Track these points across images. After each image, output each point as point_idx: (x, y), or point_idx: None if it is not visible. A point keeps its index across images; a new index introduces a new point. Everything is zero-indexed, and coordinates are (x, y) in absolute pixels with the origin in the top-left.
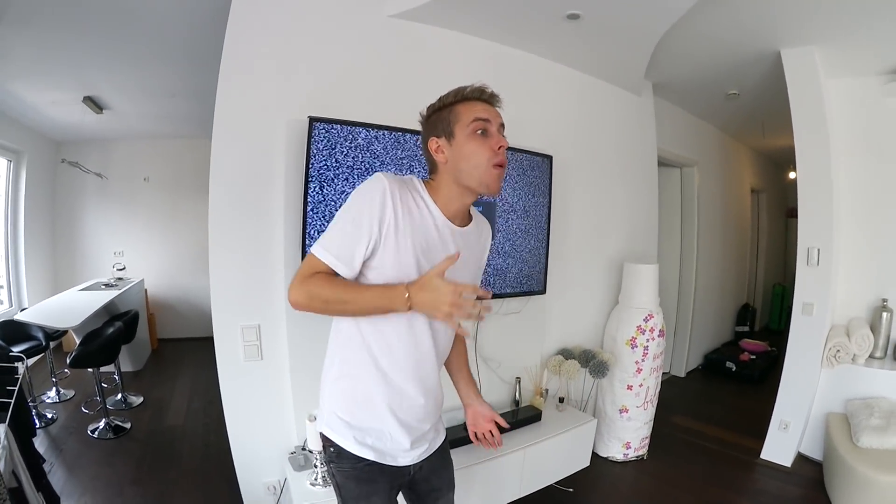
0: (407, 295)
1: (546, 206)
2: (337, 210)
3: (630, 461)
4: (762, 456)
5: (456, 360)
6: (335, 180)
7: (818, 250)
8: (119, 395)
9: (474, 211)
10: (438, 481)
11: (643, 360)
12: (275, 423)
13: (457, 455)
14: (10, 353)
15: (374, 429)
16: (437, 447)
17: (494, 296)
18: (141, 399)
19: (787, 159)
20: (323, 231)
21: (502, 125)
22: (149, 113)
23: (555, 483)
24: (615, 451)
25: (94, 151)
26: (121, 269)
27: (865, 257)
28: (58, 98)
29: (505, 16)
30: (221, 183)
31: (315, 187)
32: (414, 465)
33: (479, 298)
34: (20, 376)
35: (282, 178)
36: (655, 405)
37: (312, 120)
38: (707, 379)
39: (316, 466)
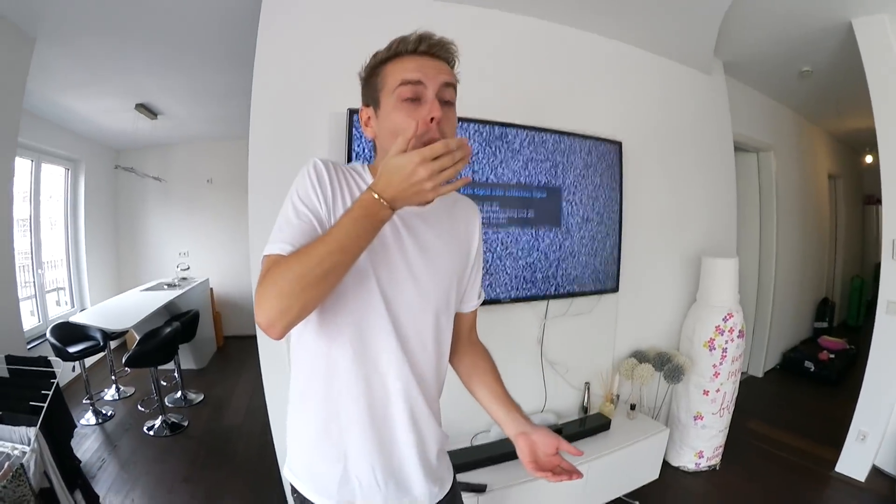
0: (376, 196)
1: (617, 197)
2: None
3: (702, 471)
4: (837, 469)
5: (483, 380)
6: None
7: None
8: (179, 393)
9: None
10: None
11: (721, 364)
12: None
13: (512, 469)
14: (67, 353)
15: (341, 475)
16: (442, 497)
17: (563, 295)
18: (201, 397)
19: (863, 142)
20: None
21: (448, 87)
22: (203, 115)
23: (621, 496)
24: (687, 461)
25: (153, 156)
26: (185, 269)
27: None
28: (110, 106)
29: None
30: (261, 181)
31: None
32: None
33: None
34: (56, 380)
35: None
36: (732, 411)
37: (353, 112)
38: (785, 379)
39: None
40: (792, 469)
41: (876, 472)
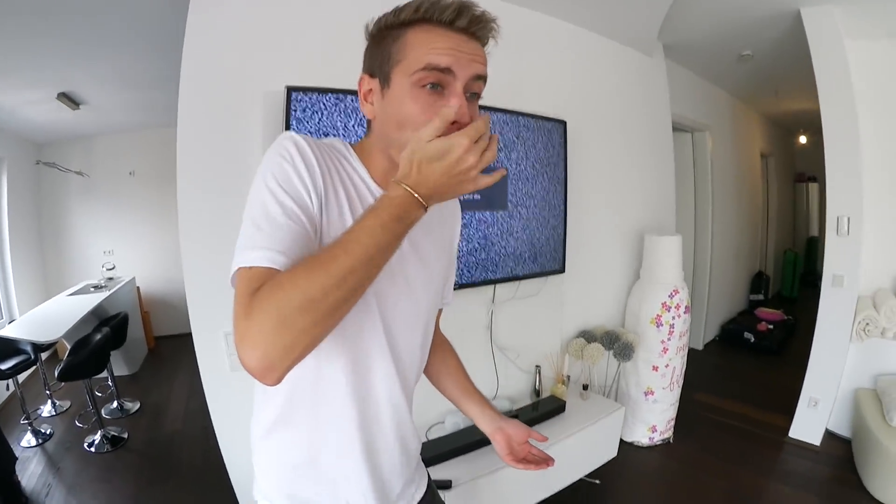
0: (411, 191)
1: (562, 177)
2: None
3: (656, 445)
4: (791, 434)
5: (453, 378)
6: None
7: (848, 219)
8: (115, 403)
9: None
10: None
11: (669, 339)
12: None
13: (475, 460)
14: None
15: (326, 494)
16: (418, 500)
17: (510, 279)
18: (138, 405)
19: (796, 123)
20: None
21: (479, 79)
22: (129, 104)
23: (582, 477)
24: (640, 436)
25: (75, 149)
26: (110, 269)
27: (891, 225)
28: (31, 97)
29: None
30: (190, 170)
31: None
32: None
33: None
34: None
35: (257, 161)
36: (681, 385)
37: (291, 90)
38: (725, 351)
39: None
40: (745, 437)
41: (829, 435)
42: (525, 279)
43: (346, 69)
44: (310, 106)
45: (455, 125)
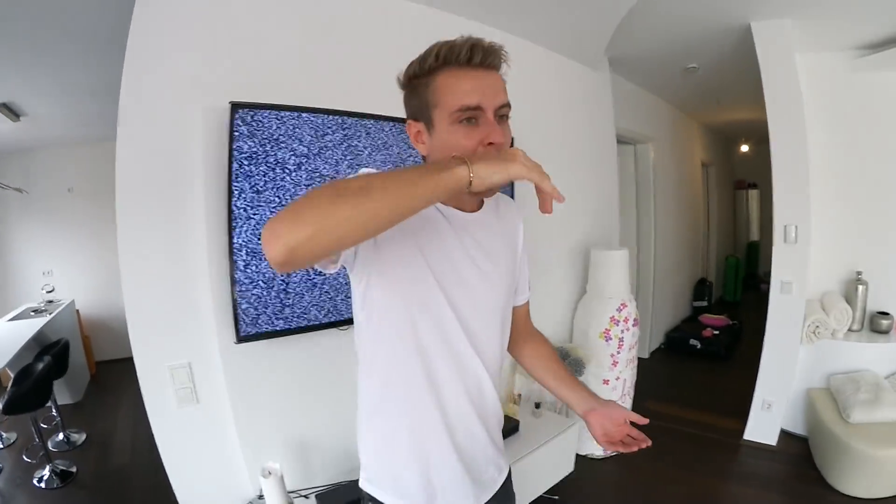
0: (458, 156)
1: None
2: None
3: (611, 456)
4: (746, 437)
5: (545, 365)
6: (271, 176)
7: (795, 227)
8: (61, 435)
9: None
10: None
11: (619, 353)
12: (224, 476)
13: None
14: None
15: (422, 480)
16: (497, 488)
17: None
18: (84, 436)
19: (737, 132)
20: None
21: (504, 107)
22: (69, 116)
23: (541, 495)
24: (594, 448)
25: (13, 164)
26: (50, 291)
27: (838, 231)
28: None
29: None
30: (130, 187)
31: (243, 186)
32: None
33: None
34: None
35: (201, 180)
36: (632, 396)
37: (235, 106)
38: (672, 358)
39: None
40: (700, 442)
41: (785, 434)
42: None
43: (294, 85)
44: (255, 123)
45: (491, 145)
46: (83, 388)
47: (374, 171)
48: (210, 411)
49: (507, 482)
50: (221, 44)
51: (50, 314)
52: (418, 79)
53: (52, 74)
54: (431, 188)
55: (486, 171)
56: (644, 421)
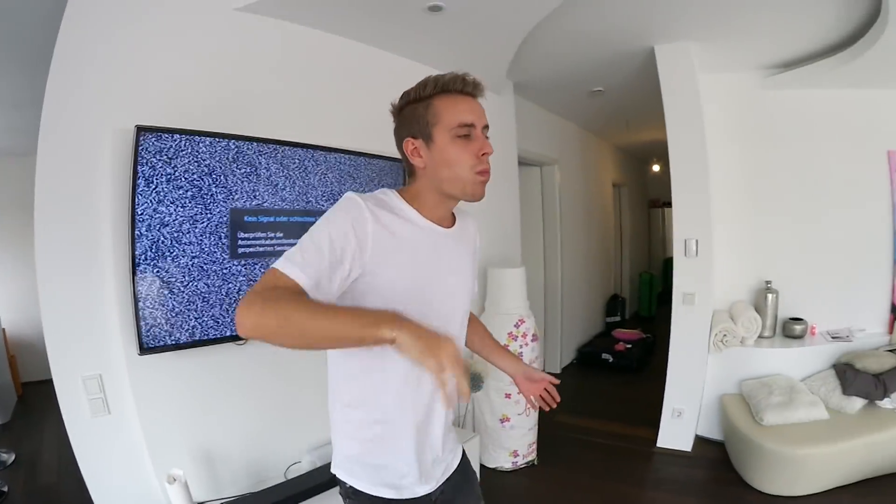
0: (392, 331)
1: None
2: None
3: (521, 468)
4: (659, 444)
5: (481, 341)
6: (177, 200)
7: (696, 241)
8: None
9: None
10: (464, 499)
11: None
12: (136, 484)
13: (323, 502)
14: None
15: (390, 466)
16: (455, 466)
17: None
18: (13, 456)
19: (649, 153)
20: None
21: (487, 126)
22: None
23: None
24: (503, 461)
25: None
26: None
27: (745, 243)
28: None
29: (360, 8)
30: (48, 203)
31: (148, 209)
32: (434, 491)
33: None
34: None
35: (108, 201)
36: (538, 409)
37: (141, 129)
38: (584, 373)
39: None
40: (613, 453)
41: (701, 440)
42: None
43: (206, 111)
44: (162, 148)
45: (484, 155)
46: (11, 408)
47: (359, 203)
48: (121, 421)
49: (465, 459)
50: (141, 66)
51: None
52: (417, 102)
53: None
54: (359, 332)
55: (410, 345)
56: (555, 381)
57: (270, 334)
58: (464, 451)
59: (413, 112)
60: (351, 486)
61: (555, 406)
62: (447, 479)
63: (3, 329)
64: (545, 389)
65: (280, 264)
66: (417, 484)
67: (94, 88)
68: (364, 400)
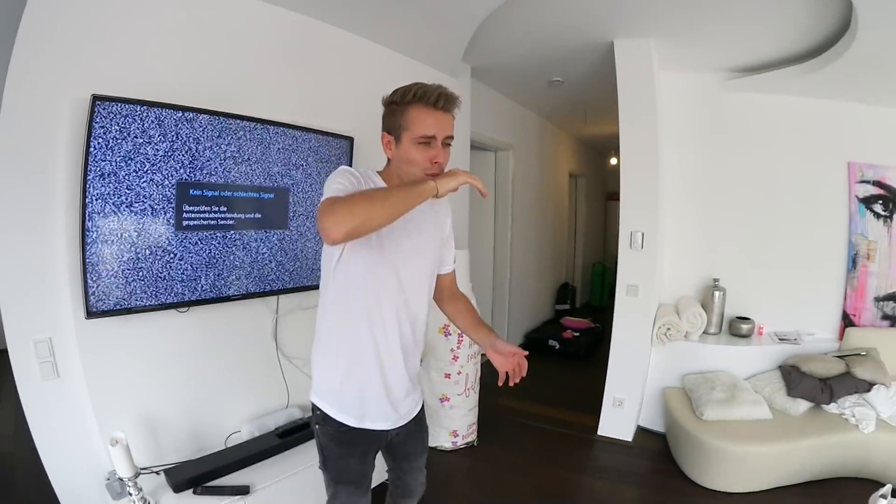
0: (434, 183)
1: None
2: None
3: (460, 449)
4: (600, 432)
5: (462, 318)
6: (128, 168)
7: (642, 234)
8: None
9: None
10: (413, 445)
11: (458, 348)
12: (84, 449)
13: (267, 469)
14: None
15: (356, 398)
16: (413, 415)
17: (292, 289)
18: None
19: (608, 146)
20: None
21: (449, 138)
22: None
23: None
24: (443, 441)
25: None
26: None
27: (695, 240)
28: None
29: None
30: (4, 173)
31: (100, 181)
32: (391, 430)
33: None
34: None
35: (63, 165)
36: (478, 391)
37: (97, 99)
38: (530, 359)
39: (131, 494)
40: (553, 437)
41: (643, 431)
42: (310, 290)
43: (169, 81)
44: (120, 118)
45: (436, 164)
46: None
47: (352, 170)
48: (69, 385)
49: (421, 414)
50: (108, 37)
51: None
52: (397, 105)
53: None
54: (417, 195)
55: (445, 183)
56: (525, 353)
57: (360, 222)
58: (422, 408)
59: (392, 112)
60: (322, 412)
61: (518, 380)
62: (404, 425)
63: None
64: (517, 363)
65: (330, 194)
66: (378, 419)
67: (54, 58)
68: (340, 343)
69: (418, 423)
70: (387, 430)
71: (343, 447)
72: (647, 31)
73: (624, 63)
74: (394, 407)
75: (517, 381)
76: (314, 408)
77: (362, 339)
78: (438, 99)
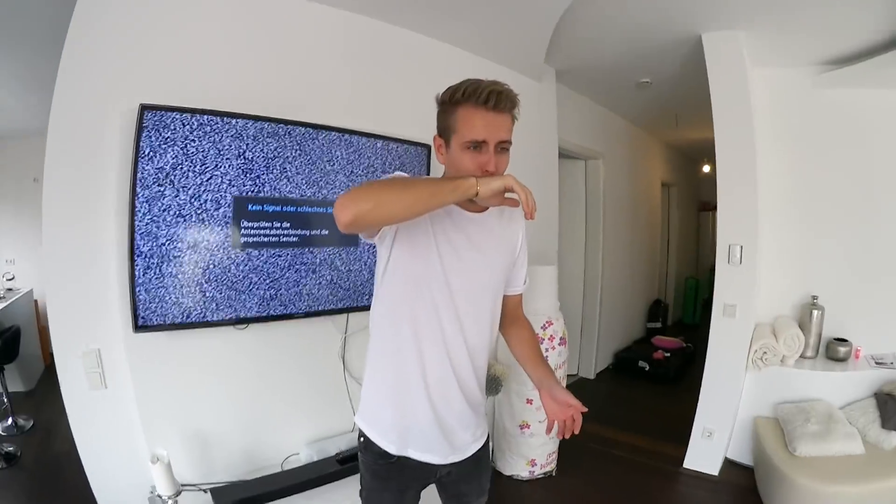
0: (475, 180)
1: None
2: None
3: (537, 479)
4: (686, 465)
5: (520, 348)
6: (180, 182)
7: (741, 248)
8: (10, 420)
9: None
10: (467, 487)
11: None
12: (129, 460)
13: (321, 497)
14: None
15: (398, 423)
16: (471, 453)
17: (360, 308)
18: (32, 422)
19: (700, 152)
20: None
21: (505, 142)
22: (30, 106)
23: None
24: (520, 469)
25: None
26: (10, 279)
27: (792, 253)
28: None
29: None
30: (57, 185)
31: (152, 191)
32: (442, 465)
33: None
34: None
35: (114, 178)
36: (551, 434)
37: (145, 108)
38: (619, 380)
39: None
40: (636, 469)
41: (729, 464)
42: None
43: (212, 89)
44: (168, 128)
45: (487, 171)
46: (36, 377)
47: (406, 174)
48: (117, 396)
49: (483, 452)
50: (158, 42)
51: (6, 302)
52: (447, 105)
53: (7, 64)
54: (450, 190)
55: (489, 182)
56: (583, 409)
57: (366, 212)
58: (487, 444)
59: (443, 113)
60: (365, 437)
61: (570, 436)
62: (458, 462)
63: (36, 300)
64: (571, 418)
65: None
66: (424, 449)
67: (104, 69)
68: (386, 362)
69: (477, 463)
70: (435, 465)
71: (377, 480)
72: (737, 22)
73: (714, 59)
74: (446, 438)
75: (567, 436)
76: (359, 433)
77: (408, 361)
78: (490, 97)
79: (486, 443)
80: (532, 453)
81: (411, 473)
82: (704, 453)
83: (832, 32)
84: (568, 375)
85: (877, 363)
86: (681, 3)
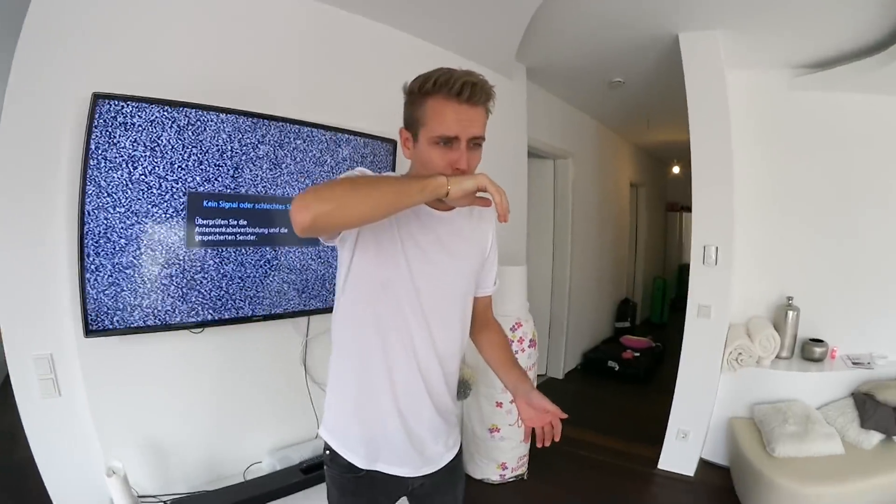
0: (445, 179)
1: None
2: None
3: (508, 482)
4: (660, 466)
5: (491, 352)
6: (142, 175)
7: (716, 249)
8: None
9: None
10: (442, 499)
11: None
12: (87, 471)
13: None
14: None
15: (365, 436)
16: (444, 464)
17: (321, 311)
18: None
19: (669, 153)
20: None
21: (477, 138)
22: None
23: None
24: (490, 473)
25: None
26: None
27: (767, 254)
28: None
29: None
30: (4, 182)
31: (99, 188)
32: (414, 478)
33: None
34: None
35: (65, 169)
36: (530, 441)
37: (98, 97)
38: (588, 380)
39: None
40: (610, 471)
41: (705, 464)
42: None
43: (169, 78)
44: (124, 118)
45: (458, 170)
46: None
47: (370, 171)
48: (71, 405)
49: (457, 461)
50: (116, 33)
51: None
52: (415, 95)
53: None
54: (419, 190)
55: (460, 182)
56: (563, 415)
57: (325, 213)
58: (459, 454)
59: (411, 104)
60: (331, 450)
61: (550, 443)
62: (432, 474)
63: None
64: (550, 424)
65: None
66: (394, 462)
67: (65, 55)
68: (350, 369)
69: (451, 473)
70: (407, 478)
71: (345, 495)
72: (714, 22)
73: (691, 59)
74: (416, 450)
75: (548, 444)
76: (325, 445)
77: (373, 371)
78: (463, 88)
79: (460, 452)
80: (503, 457)
81: (382, 488)
82: (679, 454)
83: (809, 36)
84: (537, 375)
85: (853, 363)
86: (659, 1)
